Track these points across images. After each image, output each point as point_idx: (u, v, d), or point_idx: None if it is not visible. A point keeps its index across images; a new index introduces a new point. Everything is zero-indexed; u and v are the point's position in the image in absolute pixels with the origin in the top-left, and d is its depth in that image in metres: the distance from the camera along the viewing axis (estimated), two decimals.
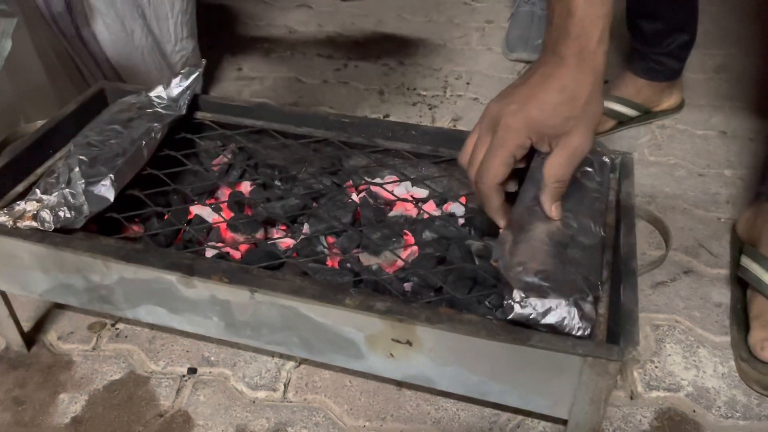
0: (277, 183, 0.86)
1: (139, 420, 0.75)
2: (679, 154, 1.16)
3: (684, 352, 0.81)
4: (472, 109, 1.30)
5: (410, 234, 0.79)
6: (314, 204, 0.82)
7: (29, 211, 0.68)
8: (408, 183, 0.84)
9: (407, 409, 0.75)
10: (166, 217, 0.80)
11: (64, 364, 0.81)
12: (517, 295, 0.55)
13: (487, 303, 0.71)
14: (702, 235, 0.98)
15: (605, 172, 0.71)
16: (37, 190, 0.71)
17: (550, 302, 0.55)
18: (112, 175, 0.72)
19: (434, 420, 0.74)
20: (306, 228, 0.80)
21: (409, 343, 0.61)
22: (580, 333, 0.54)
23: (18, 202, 0.70)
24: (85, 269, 0.69)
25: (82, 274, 0.69)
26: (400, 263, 0.75)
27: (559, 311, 0.54)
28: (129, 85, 0.94)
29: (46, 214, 0.68)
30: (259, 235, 0.81)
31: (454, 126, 1.25)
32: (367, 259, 0.77)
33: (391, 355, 0.63)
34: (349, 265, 0.75)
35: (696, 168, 1.12)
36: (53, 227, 0.67)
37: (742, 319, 0.83)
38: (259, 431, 0.73)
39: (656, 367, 0.80)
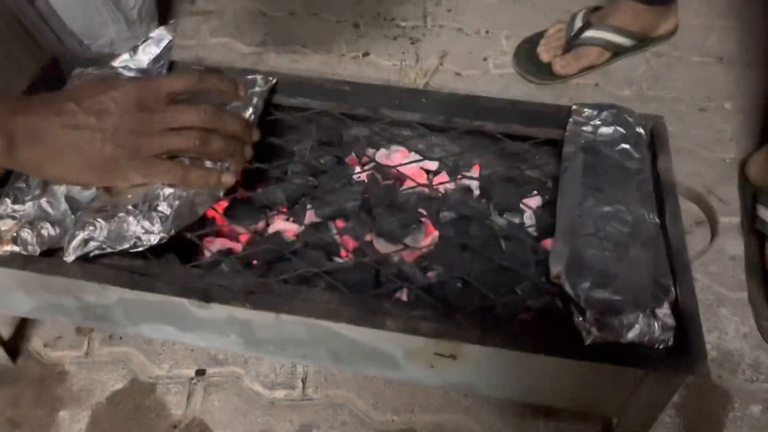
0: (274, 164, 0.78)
1: None
2: (677, 86, 1.11)
3: (704, 313, 0.79)
4: (458, 41, 1.20)
5: (426, 216, 0.73)
6: (316, 184, 0.75)
7: (6, 231, 0.59)
8: (417, 155, 0.77)
9: (435, 398, 0.73)
10: None
11: (57, 376, 0.75)
12: (591, 317, 0.51)
13: (518, 291, 0.67)
14: (709, 179, 0.96)
15: (642, 145, 0.66)
16: (7, 200, 0.62)
17: (627, 318, 0.51)
18: None
19: (465, 408, 0.72)
20: (310, 213, 0.73)
21: (452, 357, 0.57)
22: (662, 346, 0.51)
23: None
24: (77, 291, 0.61)
25: (74, 296, 0.61)
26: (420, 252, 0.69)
27: (638, 327, 0.50)
28: (86, 52, 0.81)
29: (27, 235, 0.58)
30: (261, 224, 0.74)
31: (441, 64, 1.16)
32: (383, 247, 0.71)
33: (432, 366, 0.59)
34: (367, 258, 0.69)
35: (696, 101, 1.08)
36: (38, 250, 0.58)
37: (759, 275, 0.81)
38: None
39: None
